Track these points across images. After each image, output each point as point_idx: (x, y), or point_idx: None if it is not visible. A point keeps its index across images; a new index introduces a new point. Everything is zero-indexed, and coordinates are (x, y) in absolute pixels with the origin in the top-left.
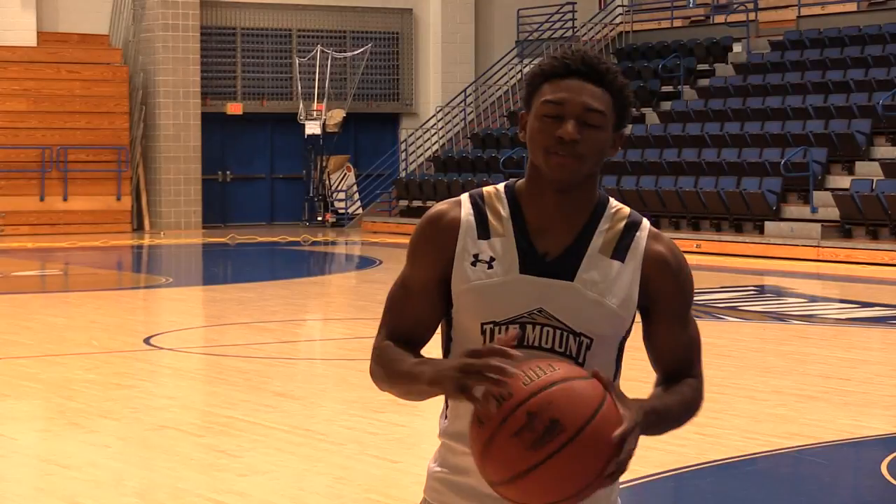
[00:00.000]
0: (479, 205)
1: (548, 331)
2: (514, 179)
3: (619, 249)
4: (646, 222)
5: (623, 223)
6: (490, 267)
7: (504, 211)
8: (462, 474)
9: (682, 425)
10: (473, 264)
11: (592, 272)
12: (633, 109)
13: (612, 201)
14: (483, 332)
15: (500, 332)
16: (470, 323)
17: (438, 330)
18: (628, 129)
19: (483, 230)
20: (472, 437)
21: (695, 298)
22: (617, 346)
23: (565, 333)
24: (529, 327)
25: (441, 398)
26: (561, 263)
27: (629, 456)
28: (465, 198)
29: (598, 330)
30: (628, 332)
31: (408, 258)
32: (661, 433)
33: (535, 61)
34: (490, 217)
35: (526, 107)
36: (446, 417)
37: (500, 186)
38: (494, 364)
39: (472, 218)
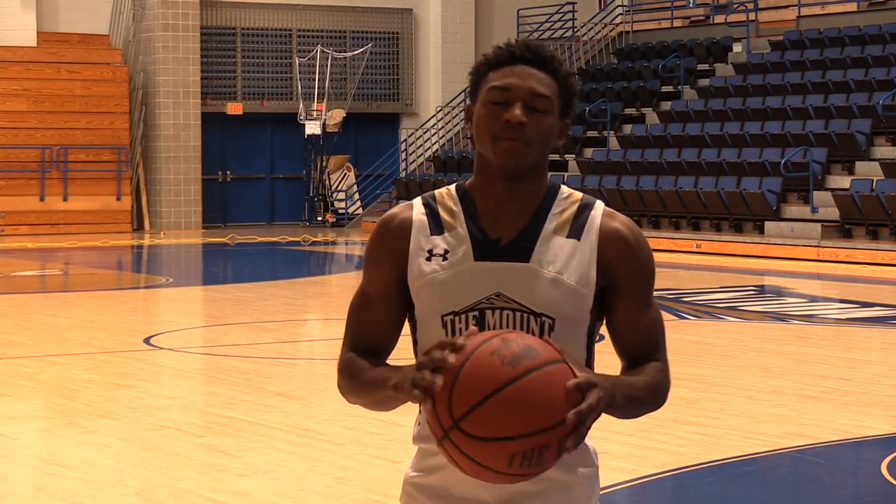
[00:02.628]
0: (430, 204)
1: (507, 314)
2: (464, 180)
3: (574, 228)
4: (599, 203)
5: (576, 205)
6: (445, 259)
7: (455, 206)
8: (433, 473)
9: (650, 409)
10: (428, 259)
11: (548, 252)
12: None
13: (564, 188)
14: (444, 325)
15: (460, 322)
16: (431, 317)
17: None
18: (628, 129)
19: (436, 226)
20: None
21: (656, 279)
22: (586, 332)
23: (526, 315)
24: (489, 312)
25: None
26: (515, 246)
27: (591, 410)
28: (416, 200)
29: (559, 309)
30: (600, 318)
31: (364, 267)
32: (628, 414)
33: None
34: (442, 213)
35: (472, 98)
36: (419, 423)
37: (452, 186)
38: (437, 355)
39: (423, 217)
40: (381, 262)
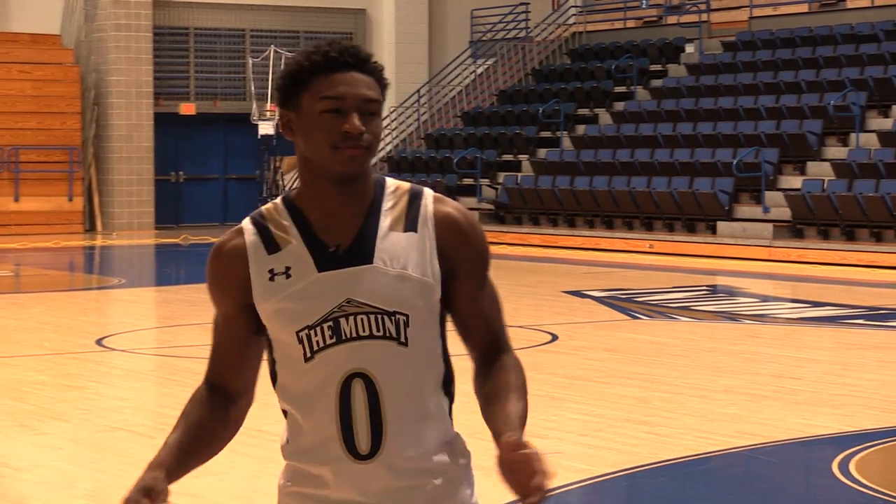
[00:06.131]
0: (260, 223)
1: (361, 318)
2: (286, 192)
3: (409, 221)
4: (428, 190)
5: (406, 197)
6: (288, 276)
7: (286, 220)
8: (320, 487)
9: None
10: (271, 279)
11: (389, 249)
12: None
13: (389, 181)
14: (301, 341)
15: (316, 335)
16: (286, 336)
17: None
18: (582, 130)
19: (271, 245)
20: None
21: (491, 259)
22: (438, 321)
23: (379, 316)
24: (343, 320)
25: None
26: (355, 250)
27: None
28: (245, 222)
29: (410, 304)
30: (448, 307)
31: (211, 300)
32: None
33: (488, 62)
34: (273, 230)
35: (289, 104)
36: (288, 441)
37: (278, 200)
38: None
39: (256, 237)
40: (221, 293)
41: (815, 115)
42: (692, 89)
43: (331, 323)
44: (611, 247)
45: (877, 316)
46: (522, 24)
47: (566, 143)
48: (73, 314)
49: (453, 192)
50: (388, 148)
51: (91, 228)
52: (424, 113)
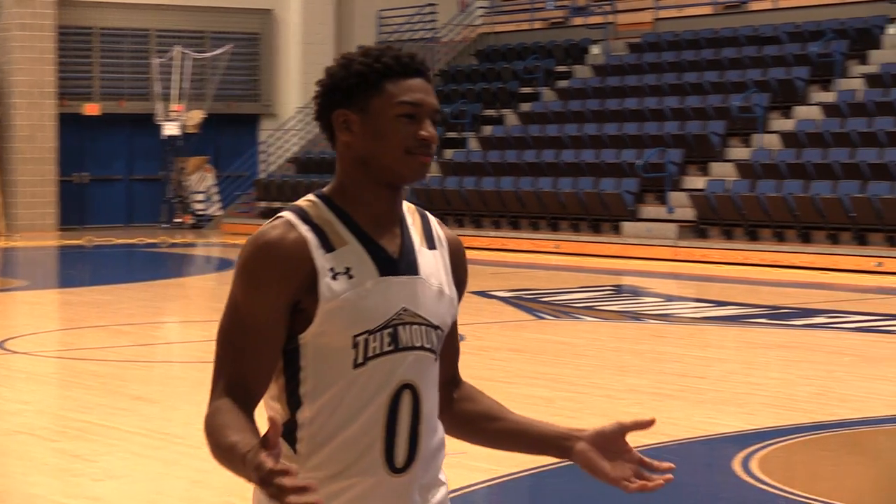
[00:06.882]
0: (308, 220)
1: (415, 329)
2: (318, 191)
3: (428, 239)
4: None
5: (418, 214)
6: (350, 277)
7: (334, 220)
8: (354, 501)
9: None
10: (334, 278)
11: (426, 264)
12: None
13: None
14: (355, 345)
15: (374, 341)
16: (339, 339)
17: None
18: (488, 130)
19: (325, 243)
20: None
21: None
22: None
23: (427, 329)
24: (401, 328)
25: None
26: (404, 259)
27: None
28: (290, 216)
29: (445, 321)
30: None
31: (244, 291)
32: None
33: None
34: (324, 229)
35: (352, 105)
36: (301, 452)
37: (313, 198)
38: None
39: (310, 234)
40: (274, 286)
41: (719, 116)
42: (598, 90)
43: (391, 330)
44: (517, 247)
45: (779, 315)
46: (430, 26)
47: (473, 143)
48: None
49: None
50: (295, 149)
51: None
52: None
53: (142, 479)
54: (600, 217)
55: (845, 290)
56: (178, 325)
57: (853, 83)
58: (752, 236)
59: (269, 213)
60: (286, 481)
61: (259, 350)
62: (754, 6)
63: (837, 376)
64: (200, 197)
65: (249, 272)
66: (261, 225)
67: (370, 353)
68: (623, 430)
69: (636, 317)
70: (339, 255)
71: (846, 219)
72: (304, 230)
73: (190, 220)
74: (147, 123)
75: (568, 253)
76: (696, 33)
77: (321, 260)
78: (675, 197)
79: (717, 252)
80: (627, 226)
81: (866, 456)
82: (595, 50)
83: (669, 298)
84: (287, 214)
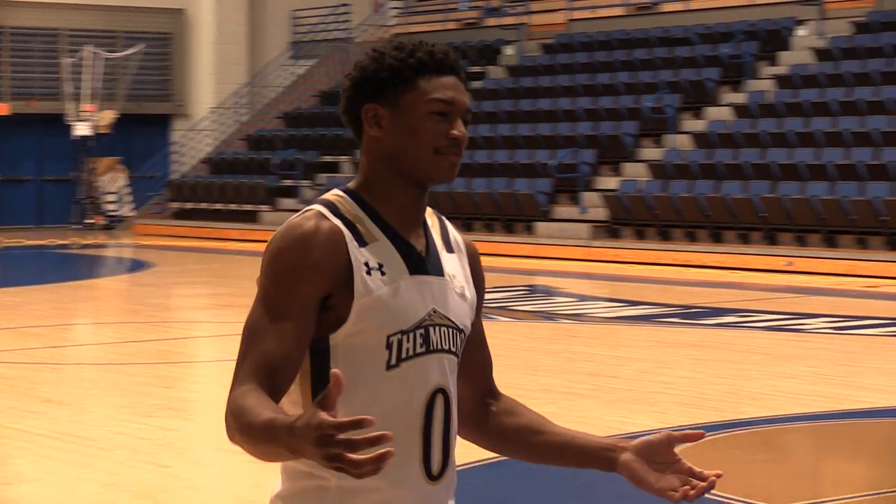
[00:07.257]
0: (339, 213)
1: (444, 331)
2: (343, 186)
3: (447, 243)
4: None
5: (436, 218)
6: (383, 273)
7: (363, 216)
8: None
9: None
10: (368, 273)
11: (448, 266)
12: None
13: None
14: (389, 346)
15: (408, 341)
16: (373, 339)
17: None
18: None
19: (358, 238)
20: None
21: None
22: None
23: (454, 331)
24: (432, 329)
25: None
26: (431, 259)
27: None
28: (321, 209)
29: (466, 323)
30: None
31: (275, 284)
32: None
33: (309, 63)
34: (356, 224)
35: (382, 100)
36: (341, 477)
37: (339, 193)
38: (355, 440)
39: (345, 227)
40: (310, 277)
41: (631, 117)
42: (511, 91)
43: (422, 330)
44: None
45: (691, 314)
46: (343, 26)
47: None
48: None
49: (273, 193)
50: (208, 150)
51: None
52: (244, 114)
53: (53, 483)
54: (514, 217)
55: (756, 289)
56: (89, 327)
57: (763, 84)
58: (665, 236)
59: (182, 214)
60: (356, 437)
61: (288, 344)
62: (666, 8)
63: (748, 375)
64: (112, 198)
65: (283, 264)
66: (173, 227)
67: (403, 355)
68: (671, 441)
69: (549, 317)
70: (372, 251)
71: (756, 219)
72: (338, 222)
73: (101, 221)
74: (58, 123)
75: (482, 253)
76: (608, 34)
77: (356, 253)
78: (588, 197)
79: (629, 252)
80: (541, 226)
81: (776, 453)
82: (509, 51)
83: (582, 298)
84: (318, 207)
